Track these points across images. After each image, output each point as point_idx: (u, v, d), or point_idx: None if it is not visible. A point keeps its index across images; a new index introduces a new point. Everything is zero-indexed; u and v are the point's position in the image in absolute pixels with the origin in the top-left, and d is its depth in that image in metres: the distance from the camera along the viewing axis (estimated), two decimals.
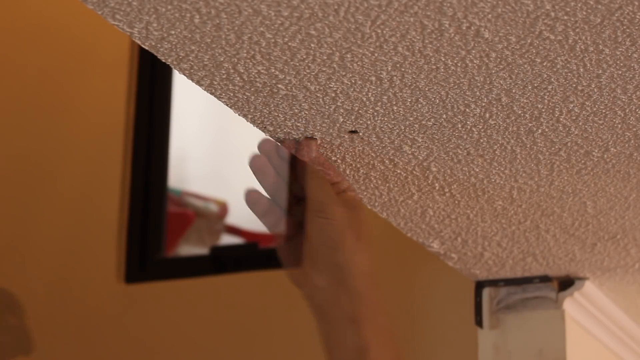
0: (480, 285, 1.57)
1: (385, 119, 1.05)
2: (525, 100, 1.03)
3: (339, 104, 1.02)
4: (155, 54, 0.94)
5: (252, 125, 1.07)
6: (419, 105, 1.03)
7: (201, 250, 2.86)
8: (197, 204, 2.95)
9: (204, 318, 2.41)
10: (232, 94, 1.01)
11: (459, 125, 1.08)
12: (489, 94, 1.01)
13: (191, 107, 2.98)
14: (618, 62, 0.96)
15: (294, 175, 1.10)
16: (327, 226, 1.09)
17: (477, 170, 1.17)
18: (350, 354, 1.08)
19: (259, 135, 1.10)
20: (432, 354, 2.07)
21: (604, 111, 1.05)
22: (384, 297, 1.11)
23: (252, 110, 1.04)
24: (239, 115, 1.05)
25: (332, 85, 0.99)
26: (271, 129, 1.07)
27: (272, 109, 1.03)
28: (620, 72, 0.98)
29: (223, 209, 2.89)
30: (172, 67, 0.96)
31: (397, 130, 1.08)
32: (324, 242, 1.09)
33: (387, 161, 1.15)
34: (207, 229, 2.99)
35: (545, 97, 1.02)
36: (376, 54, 0.94)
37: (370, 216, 1.14)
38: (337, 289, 1.09)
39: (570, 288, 1.55)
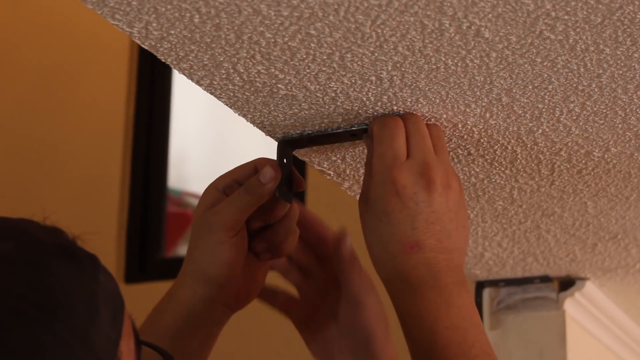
0: (480, 286, 1.57)
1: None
2: (525, 100, 1.02)
3: (338, 103, 1.02)
4: (155, 53, 0.94)
5: (251, 125, 1.07)
6: (419, 105, 1.03)
7: None
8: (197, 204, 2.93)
9: None
10: (231, 94, 1.00)
11: (460, 125, 1.07)
12: (489, 93, 1.01)
13: (191, 107, 2.98)
14: (619, 61, 0.96)
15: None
16: (363, 317, 1.09)
17: (478, 170, 1.17)
18: None
19: (259, 135, 1.10)
20: None
21: (604, 111, 1.05)
22: None
23: (251, 110, 1.03)
24: (238, 115, 1.05)
25: (332, 85, 0.99)
26: (271, 128, 1.07)
27: (272, 108, 1.03)
28: (621, 72, 0.98)
29: None
30: (172, 66, 0.96)
31: None
32: (359, 331, 1.09)
33: None
34: None
35: (546, 96, 1.02)
36: (376, 54, 0.94)
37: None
38: None
39: (570, 288, 1.54)
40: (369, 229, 1.01)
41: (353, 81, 0.98)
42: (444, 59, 0.95)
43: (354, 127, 1.06)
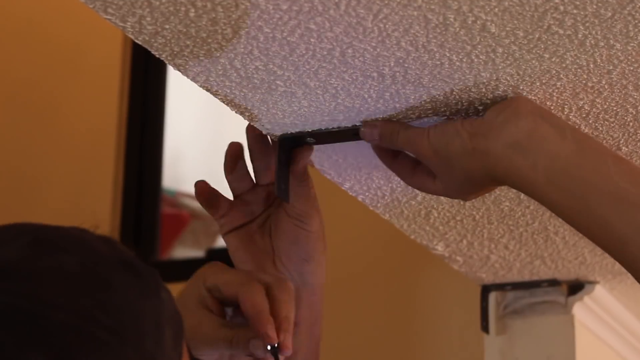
0: (486, 290, 1.57)
1: (388, 116, 1.04)
2: (533, 97, 1.01)
3: (339, 101, 1.01)
4: (149, 49, 0.93)
5: (249, 123, 1.06)
6: (423, 102, 1.01)
7: (197, 252, 2.86)
8: (193, 205, 2.94)
9: None
10: (228, 91, 0.99)
11: None
12: (495, 90, 1.00)
13: (186, 105, 2.98)
14: (629, 57, 0.95)
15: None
16: (305, 238, 1.10)
17: None
18: None
19: None
20: None
21: (615, 108, 1.04)
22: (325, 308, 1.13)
23: (249, 108, 1.02)
24: (235, 112, 1.03)
25: (332, 82, 0.98)
26: (269, 127, 1.06)
27: (271, 106, 1.01)
28: (632, 68, 0.97)
29: None
30: (167, 62, 0.94)
31: None
32: (297, 251, 1.10)
33: None
34: (203, 230, 2.98)
35: (554, 94, 1.01)
36: (378, 49, 0.92)
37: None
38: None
39: (580, 292, 1.55)
40: None
41: (354, 77, 0.97)
42: (448, 55, 0.94)
43: (356, 125, 1.04)
